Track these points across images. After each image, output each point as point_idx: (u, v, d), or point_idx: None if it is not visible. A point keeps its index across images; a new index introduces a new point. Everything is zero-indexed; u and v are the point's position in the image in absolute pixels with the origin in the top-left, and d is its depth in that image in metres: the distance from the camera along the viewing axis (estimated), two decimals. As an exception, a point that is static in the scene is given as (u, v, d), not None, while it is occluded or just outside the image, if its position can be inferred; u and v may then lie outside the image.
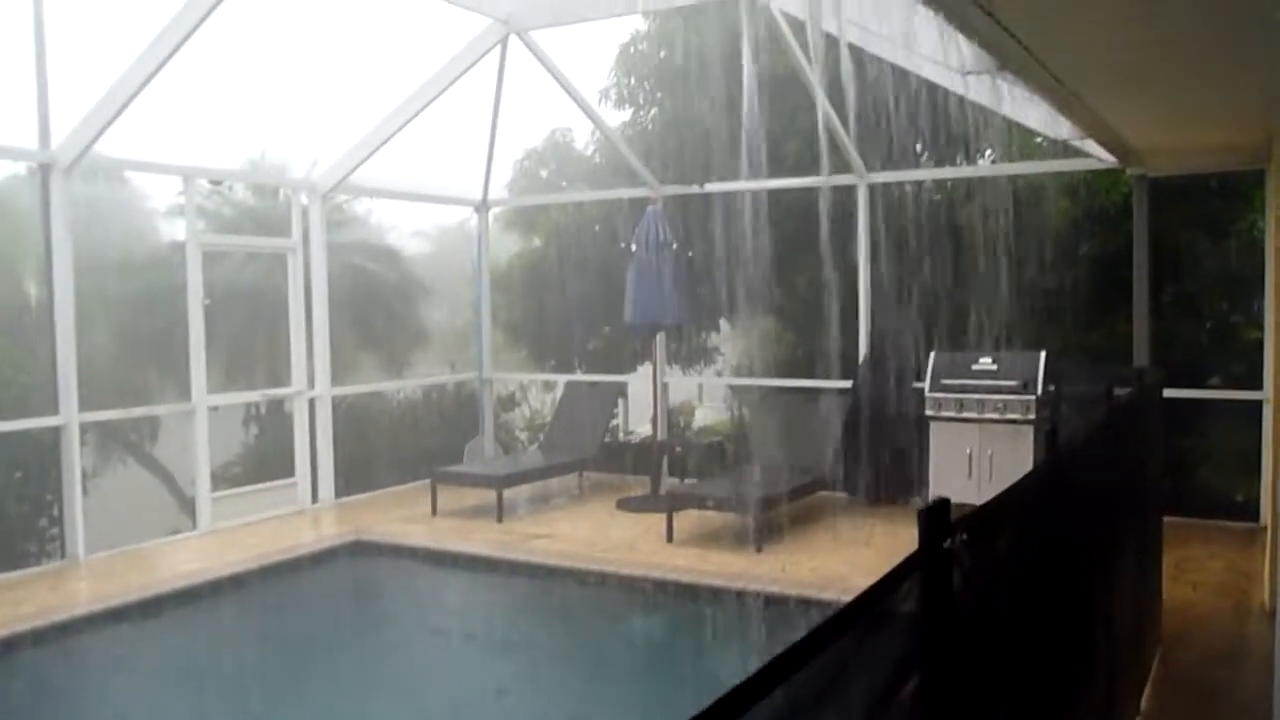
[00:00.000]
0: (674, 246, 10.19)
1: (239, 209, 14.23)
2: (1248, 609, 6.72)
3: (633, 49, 13.41)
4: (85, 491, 8.68)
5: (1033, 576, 2.79)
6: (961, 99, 7.69)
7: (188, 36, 7.63)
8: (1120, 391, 5.38)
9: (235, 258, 12.94)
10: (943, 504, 1.96)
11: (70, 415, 8.32)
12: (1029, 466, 8.24)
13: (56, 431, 8.38)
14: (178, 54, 7.77)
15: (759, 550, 8.22)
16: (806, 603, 6.93)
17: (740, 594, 7.17)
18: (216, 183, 12.51)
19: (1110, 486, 4.31)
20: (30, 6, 8.80)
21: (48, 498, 9.52)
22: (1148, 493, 5.72)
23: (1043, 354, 8.94)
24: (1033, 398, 8.76)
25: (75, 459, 8.40)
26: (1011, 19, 3.84)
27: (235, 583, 7.88)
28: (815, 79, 9.03)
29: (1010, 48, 4.22)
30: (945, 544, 1.93)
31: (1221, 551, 8.06)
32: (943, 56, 5.17)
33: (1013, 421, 8.79)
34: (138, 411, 10.85)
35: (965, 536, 2.01)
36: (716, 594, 7.32)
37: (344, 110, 12.32)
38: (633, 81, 13.39)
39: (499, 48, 9.84)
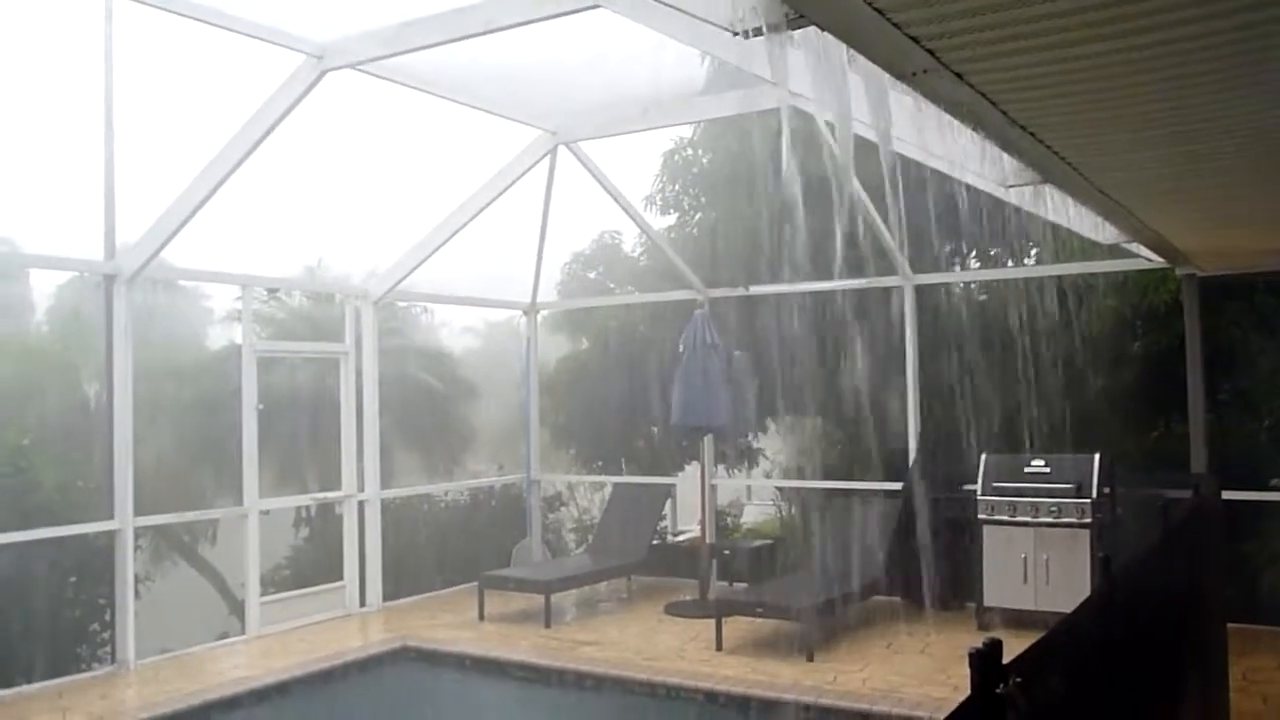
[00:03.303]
0: (720, 349, 10.22)
1: (294, 314, 14.54)
2: (1320, 725, 6.48)
3: (676, 156, 13.65)
4: (137, 594, 8.77)
5: (1092, 712, 2.72)
6: (1004, 203, 7.71)
7: (248, 154, 7.90)
8: (1177, 494, 5.26)
9: (289, 361, 13.17)
10: (994, 645, 1.93)
11: (125, 520, 8.45)
12: (1086, 570, 8.15)
13: (111, 535, 8.51)
14: (239, 169, 8.05)
15: (810, 659, 8.07)
16: (858, 716, 6.78)
17: (790, 706, 7.03)
18: (274, 290, 12.80)
19: (1170, 605, 4.21)
20: (102, 129, 9.19)
21: (100, 601, 9.59)
22: (1210, 603, 5.56)
23: (1096, 456, 8.78)
24: (1088, 500, 8.59)
25: (129, 563, 8.52)
26: (1055, 139, 3.88)
27: (282, 690, 7.86)
28: (856, 185, 9.12)
29: (1054, 164, 4.26)
30: (998, 689, 1.89)
31: (1291, 661, 7.80)
32: (984, 170, 5.21)
33: (1068, 525, 8.62)
34: (191, 515, 10.99)
35: (1019, 679, 1.97)
36: (766, 706, 7.18)
37: (399, 218, 12.61)
38: (678, 188, 13.60)
39: (548, 158, 10.08)
